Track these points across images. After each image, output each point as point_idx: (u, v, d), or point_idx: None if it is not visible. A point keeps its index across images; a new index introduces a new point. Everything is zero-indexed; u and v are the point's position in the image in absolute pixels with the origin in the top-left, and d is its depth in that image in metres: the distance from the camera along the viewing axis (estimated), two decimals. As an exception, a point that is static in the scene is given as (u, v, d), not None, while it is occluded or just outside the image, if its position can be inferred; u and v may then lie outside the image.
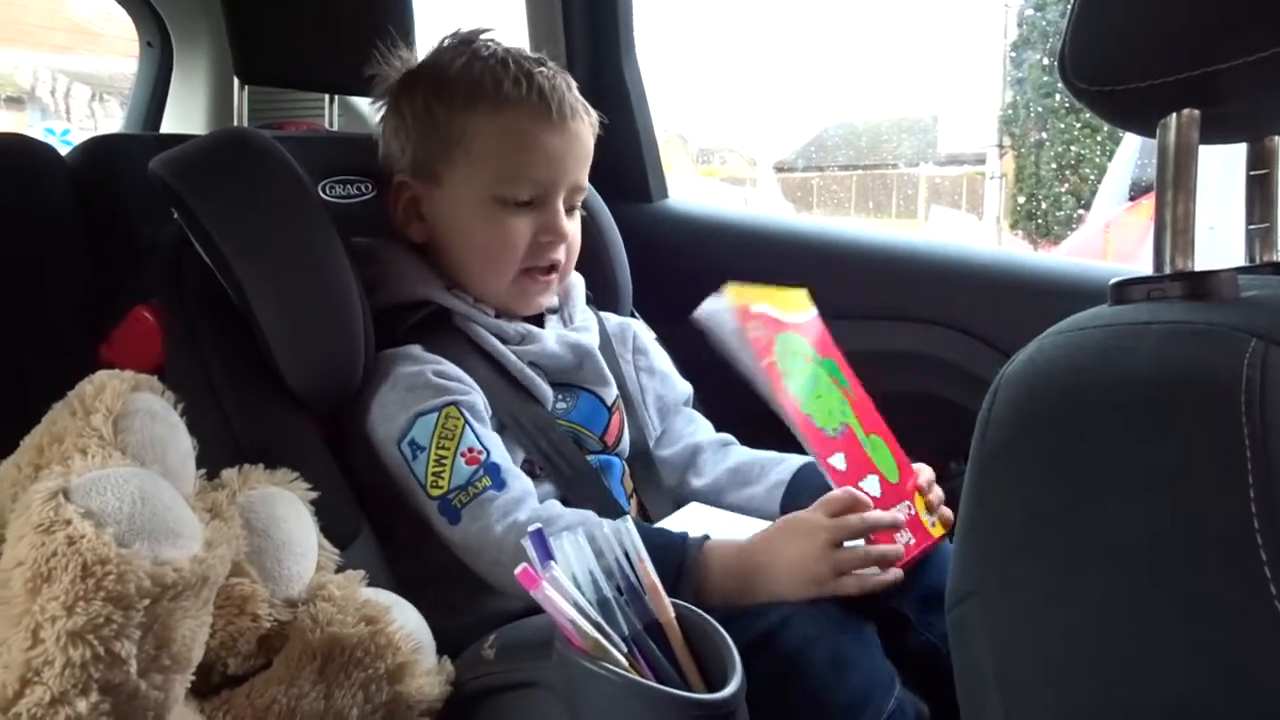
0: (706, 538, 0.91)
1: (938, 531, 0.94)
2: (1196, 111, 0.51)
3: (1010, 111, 7.79)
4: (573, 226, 1.07)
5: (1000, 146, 8.23)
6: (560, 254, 1.06)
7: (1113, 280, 0.53)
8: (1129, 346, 0.46)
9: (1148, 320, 0.48)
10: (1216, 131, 0.56)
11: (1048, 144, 7.22)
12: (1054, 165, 7.26)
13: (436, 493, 0.93)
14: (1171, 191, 0.52)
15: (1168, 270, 0.52)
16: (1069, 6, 0.53)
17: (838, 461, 0.86)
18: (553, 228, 1.03)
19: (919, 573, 0.93)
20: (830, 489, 0.91)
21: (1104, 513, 0.43)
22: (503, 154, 1.02)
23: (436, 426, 0.94)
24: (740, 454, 1.15)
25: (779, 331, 0.85)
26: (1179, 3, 0.49)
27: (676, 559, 0.87)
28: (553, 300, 1.13)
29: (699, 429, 1.19)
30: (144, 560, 0.57)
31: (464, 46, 1.05)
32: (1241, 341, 0.43)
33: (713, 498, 1.11)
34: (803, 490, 1.05)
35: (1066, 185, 7.15)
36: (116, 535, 0.57)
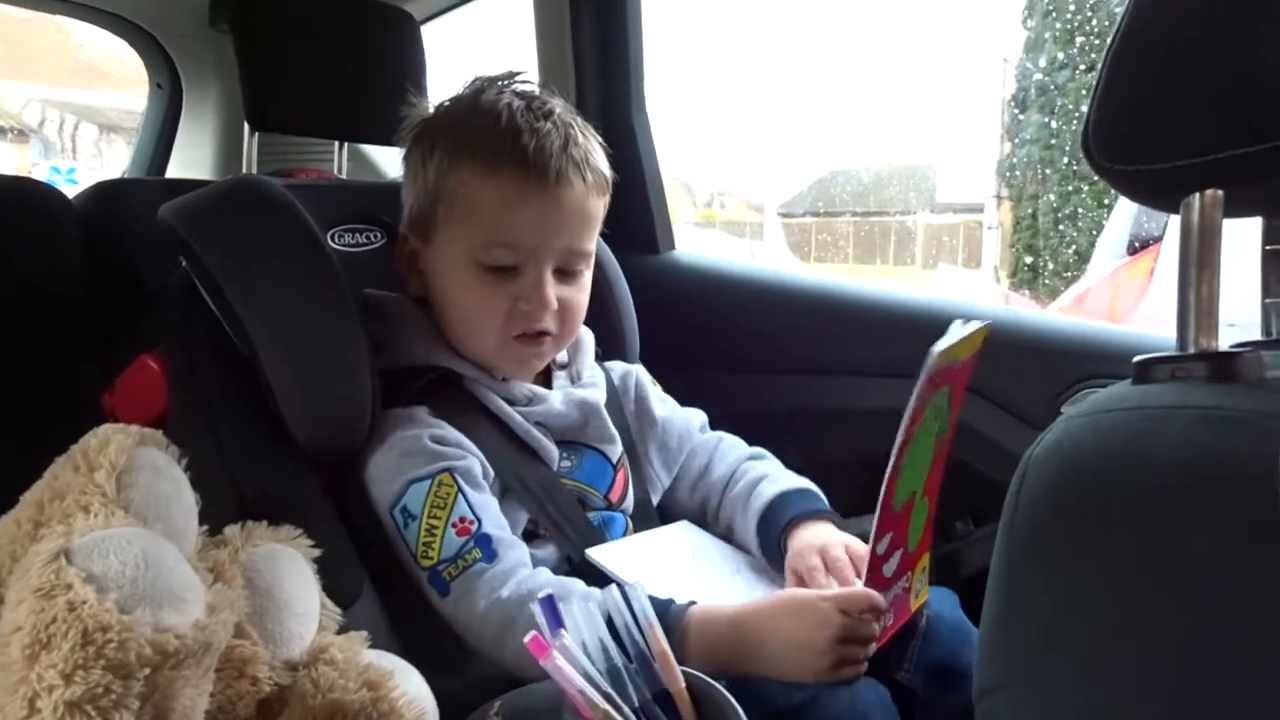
0: (692, 603, 0.89)
1: (916, 604, 0.92)
2: (1220, 192, 0.51)
3: (1010, 162, 7.87)
4: (569, 292, 1.01)
5: (998, 197, 8.30)
6: (548, 322, 1.00)
7: (1136, 358, 0.52)
8: (1157, 431, 0.45)
9: (1175, 404, 0.47)
10: (1234, 208, 0.55)
11: (1045, 197, 7.29)
12: (1052, 218, 7.31)
13: (426, 563, 0.92)
14: (1195, 270, 0.52)
15: (1191, 349, 0.52)
16: (1093, 83, 0.53)
17: (881, 545, 0.83)
18: (533, 296, 0.98)
19: (924, 645, 0.92)
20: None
21: (1138, 605, 0.42)
22: (484, 217, 0.97)
23: (429, 495, 0.93)
24: (740, 492, 1.12)
25: (941, 386, 0.81)
26: (1204, 84, 0.49)
27: None
28: (556, 360, 1.11)
29: (713, 463, 1.17)
30: (146, 627, 0.56)
31: (477, 95, 1.01)
32: (1273, 430, 0.42)
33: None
34: (773, 524, 1.04)
35: (1064, 239, 7.20)
36: (119, 601, 0.56)
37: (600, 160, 1.03)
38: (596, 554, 0.97)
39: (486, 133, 0.97)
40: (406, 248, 1.05)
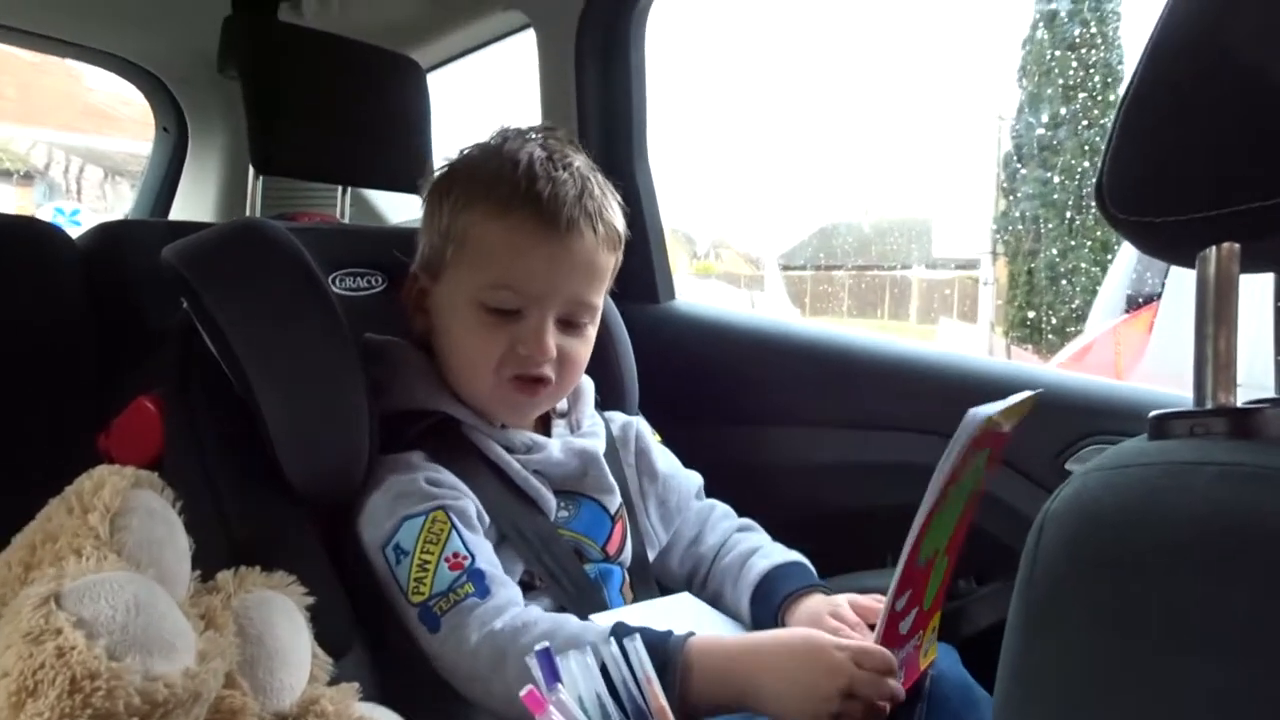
0: (691, 634, 0.87)
1: (925, 663, 0.90)
2: (1237, 245, 0.50)
3: (1007, 218, 7.96)
4: (571, 343, 1.01)
5: (993, 253, 8.39)
6: (546, 369, 0.99)
7: (1152, 413, 0.52)
8: (1179, 487, 0.44)
9: (1196, 460, 0.46)
10: (1249, 263, 0.55)
11: (1046, 252, 7.36)
12: (1047, 274, 7.38)
13: (418, 599, 0.90)
14: (1212, 324, 0.51)
15: (1209, 404, 0.51)
16: (1108, 135, 0.53)
17: (900, 602, 0.81)
18: (532, 341, 0.97)
19: (930, 708, 0.90)
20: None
21: (1161, 663, 0.41)
22: (492, 258, 0.97)
23: (422, 531, 0.91)
24: (732, 563, 1.11)
25: (982, 448, 0.78)
26: (1220, 136, 0.49)
27: (658, 660, 0.81)
28: (556, 408, 1.10)
29: (705, 532, 1.16)
30: (135, 675, 0.55)
31: (501, 143, 1.02)
32: (1299, 488, 0.41)
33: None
34: (769, 596, 1.03)
35: (1060, 296, 7.26)
36: (109, 647, 0.55)
37: (615, 216, 1.03)
38: (601, 619, 0.95)
39: (503, 177, 0.97)
40: (415, 286, 1.05)
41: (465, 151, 1.05)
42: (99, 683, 0.53)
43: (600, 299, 1.04)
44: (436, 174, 1.06)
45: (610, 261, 1.03)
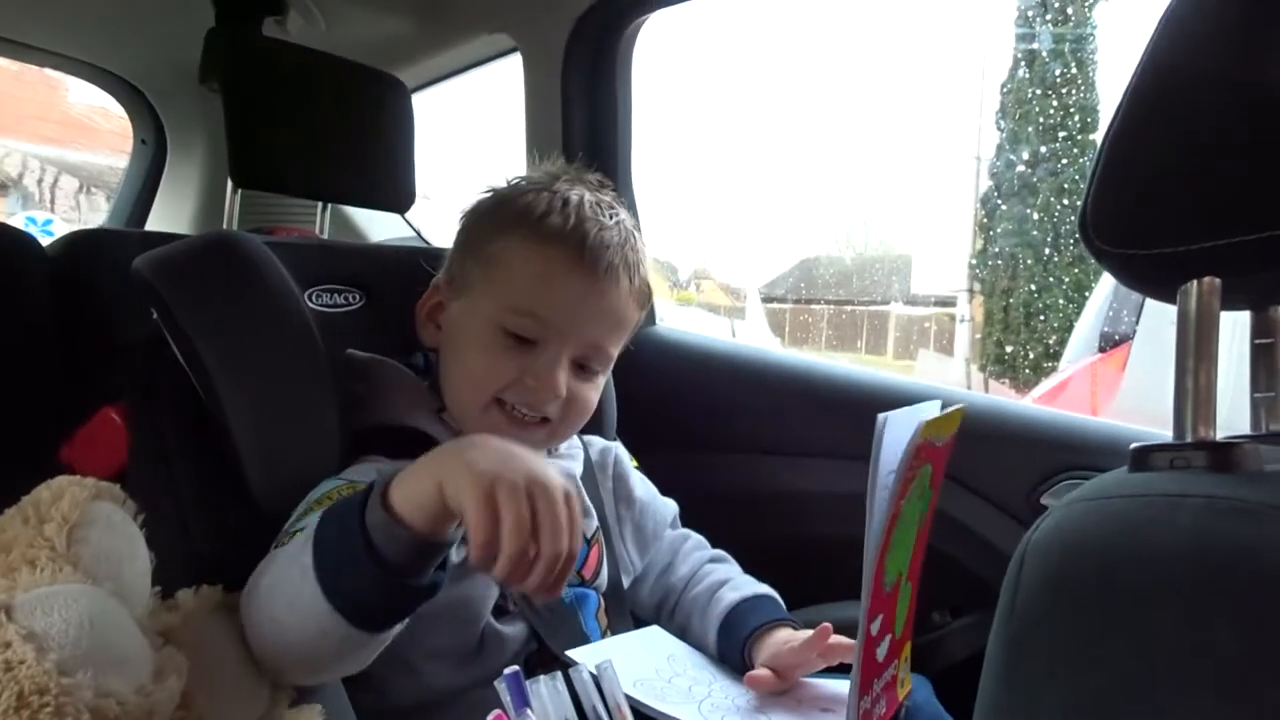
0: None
1: (903, 694, 0.89)
2: (1218, 280, 0.50)
3: (986, 254, 8.05)
4: (582, 388, 0.98)
5: (970, 291, 8.48)
6: (551, 409, 0.97)
7: (1133, 445, 0.51)
8: (1163, 520, 0.44)
9: (1179, 493, 0.46)
10: (1228, 299, 0.55)
11: (1027, 287, 7.45)
12: (1023, 313, 7.46)
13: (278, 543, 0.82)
14: (1193, 359, 0.51)
15: (1189, 438, 0.51)
16: (1092, 168, 0.53)
17: (875, 626, 0.80)
18: (543, 375, 0.94)
19: None
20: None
21: (1150, 698, 0.40)
22: (523, 283, 0.96)
23: (339, 486, 0.87)
24: (700, 594, 1.10)
25: (924, 463, 0.78)
26: (1203, 170, 0.49)
27: (359, 501, 0.71)
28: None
29: (676, 562, 1.15)
30: (86, 691, 0.53)
31: (551, 181, 1.02)
32: (1282, 521, 0.41)
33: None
34: (736, 630, 1.02)
35: (1035, 334, 7.35)
36: (59, 662, 0.53)
37: (648, 274, 1.03)
38: (576, 654, 0.93)
39: (553, 210, 0.97)
40: (433, 300, 1.04)
41: (513, 181, 1.05)
42: (48, 698, 0.51)
43: (617, 350, 1.02)
44: (479, 197, 1.05)
45: (635, 317, 1.03)
